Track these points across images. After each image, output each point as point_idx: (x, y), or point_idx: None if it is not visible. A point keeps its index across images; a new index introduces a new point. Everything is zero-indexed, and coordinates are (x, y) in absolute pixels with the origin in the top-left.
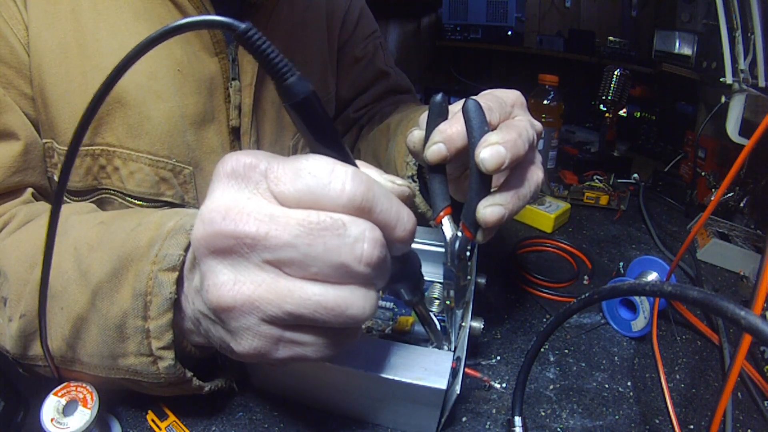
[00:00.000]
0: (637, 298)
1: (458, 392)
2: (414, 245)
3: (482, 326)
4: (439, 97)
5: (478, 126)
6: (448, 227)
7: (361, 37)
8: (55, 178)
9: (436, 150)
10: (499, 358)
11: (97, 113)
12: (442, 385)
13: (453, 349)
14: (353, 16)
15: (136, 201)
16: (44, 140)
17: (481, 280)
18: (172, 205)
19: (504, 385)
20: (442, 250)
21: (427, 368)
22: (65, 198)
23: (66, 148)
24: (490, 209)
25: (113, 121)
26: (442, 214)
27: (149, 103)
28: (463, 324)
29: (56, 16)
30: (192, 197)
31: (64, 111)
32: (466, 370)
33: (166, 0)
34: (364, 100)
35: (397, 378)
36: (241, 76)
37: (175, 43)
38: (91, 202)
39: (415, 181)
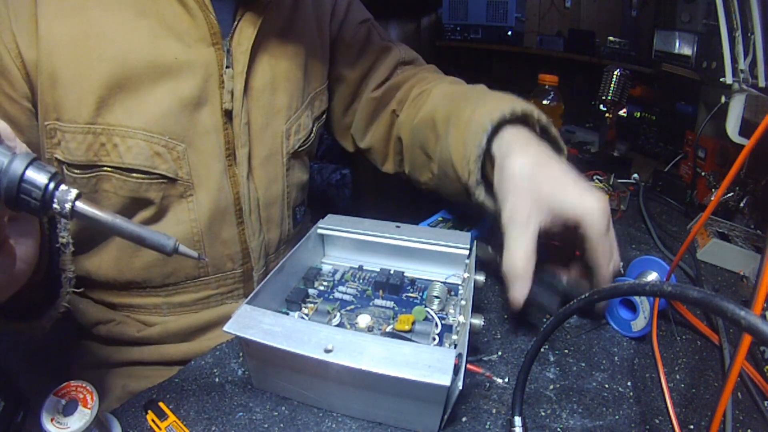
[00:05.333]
0: (637, 298)
1: (461, 388)
2: (422, 245)
3: (482, 323)
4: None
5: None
6: None
7: (353, 23)
8: (58, 156)
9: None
10: (500, 353)
11: (98, 97)
12: (446, 381)
13: (454, 345)
14: (341, 7)
15: (133, 174)
16: (46, 122)
17: (480, 278)
18: (166, 177)
19: (507, 379)
20: (446, 250)
21: (431, 365)
22: (67, 171)
23: (72, 125)
24: None
25: (114, 103)
26: None
27: (146, 88)
28: (463, 321)
29: (66, 11)
30: (185, 172)
31: (73, 92)
32: (468, 366)
33: None
34: (377, 79)
35: (400, 375)
36: (234, 65)
37: (172, 37)
38: (90, 178)
39: (481, 183)
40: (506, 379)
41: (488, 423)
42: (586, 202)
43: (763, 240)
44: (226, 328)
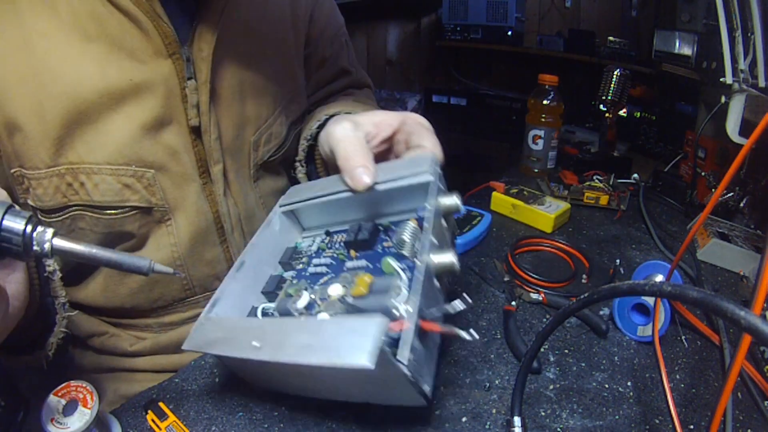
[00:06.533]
0: (652, 304)
1: (412, 358)
2: (383, 186)
3: (458, 202)
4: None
5: None
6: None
7: (330, 35)
8: (29, 202)
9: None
10: (500, 352)
11: (56, 137)
12: (366, 361)
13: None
14: (323, 11)
15: (105, 211)
16: (12, 170)
17: (448, 201)
18: (139, 209)
19: (482, 333)
20: (408, 182)
21: (353, 343)
22: (41, 216)
23: (35, 171)
24: None
25: (73, 141)
26: None
27: (104, 119)
28: (419, 263)
29: (8, 51)
30: (159, 198)
31: (30, 139)
32: (426, 325)
33: (114, 11)
34: (321, 95)
35: (319, 362)
36: (196, 75)
37: (124, 57)
38: (63, 219)
39: (303, 166)
40: (482, 333)
41: (488, 423)
42: (405, 113)
43: (763, 240)
44: (184, 346)
